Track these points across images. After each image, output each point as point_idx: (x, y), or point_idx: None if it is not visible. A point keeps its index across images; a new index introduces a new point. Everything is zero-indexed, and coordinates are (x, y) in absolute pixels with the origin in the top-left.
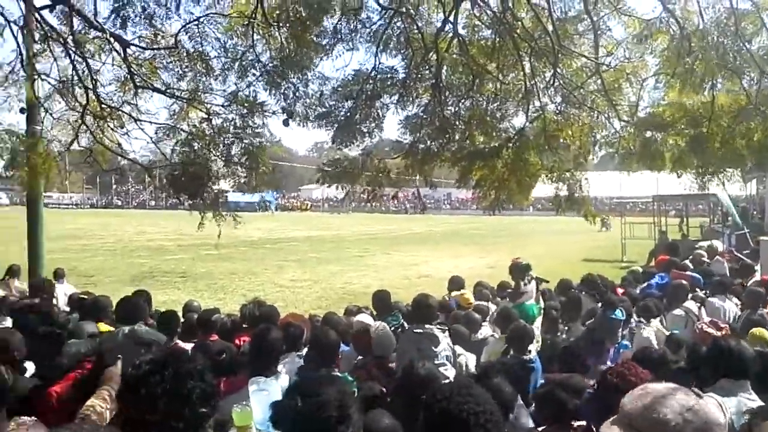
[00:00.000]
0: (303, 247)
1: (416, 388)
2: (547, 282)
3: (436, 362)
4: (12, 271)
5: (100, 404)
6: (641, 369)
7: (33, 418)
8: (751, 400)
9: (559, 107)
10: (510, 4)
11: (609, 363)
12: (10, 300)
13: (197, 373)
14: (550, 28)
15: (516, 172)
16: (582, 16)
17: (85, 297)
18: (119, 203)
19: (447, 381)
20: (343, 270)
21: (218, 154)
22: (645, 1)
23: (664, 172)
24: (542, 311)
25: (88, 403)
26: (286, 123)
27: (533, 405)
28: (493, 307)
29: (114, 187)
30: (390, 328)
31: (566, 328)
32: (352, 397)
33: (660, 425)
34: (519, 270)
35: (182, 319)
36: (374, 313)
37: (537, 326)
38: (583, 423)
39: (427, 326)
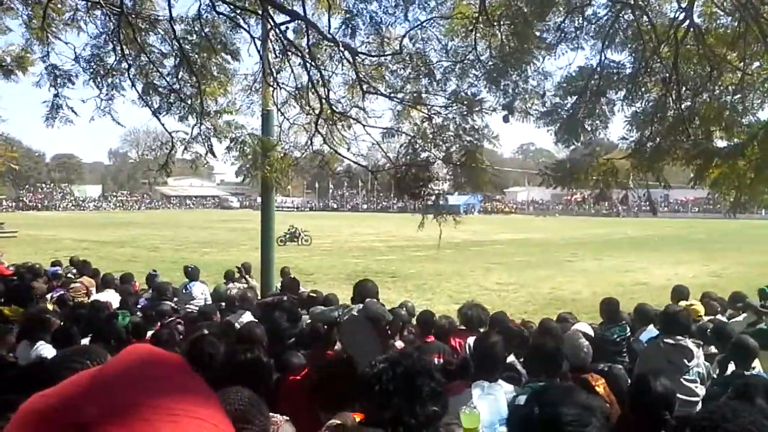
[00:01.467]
0: (509, 250)
1: (652, 405)
2: None
3: (687, 377)
4: (245, 268)
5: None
6: None
7: (285, 417)
8: None
9: None
10: None
11: None
12: (250, 296)
13: (426, 372)
14: None
15: (763, 170)
16: None
17: (314, 295)
18: (335, 206)
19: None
20: (550, 275)
21: (438, 154)
22: None
23: None
24: None
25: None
26: (506, 119)
27: None
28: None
29: (330, 191)
30: (614, 337)
31: None
32: (594, 413)
33: None
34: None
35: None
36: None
37: None
38: None
39: (680, 338)
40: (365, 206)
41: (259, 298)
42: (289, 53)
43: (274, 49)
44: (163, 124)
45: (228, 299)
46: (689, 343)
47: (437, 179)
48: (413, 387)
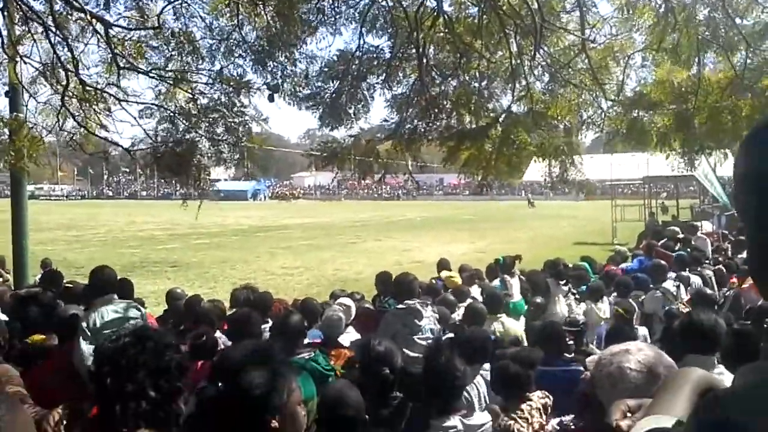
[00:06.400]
0: (295, 234)
1: (375, 364)
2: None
3: (420, 336)
4: None
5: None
6: None
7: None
8: (718, 374)
9: (546, 86)
10: None
11: None
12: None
13: (174, 346)
14: (534, 6)
15: (504, 151)
16: None
17: (71, 285)
18: (110, 194)
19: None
20: (334, 257)
21: (203, 132)
22: None
23: (654, 153)
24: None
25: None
26: (271, 99)
27: None
28: (475, 290)
29: (105, 177)
30: (391, 307)
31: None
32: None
33: (612, 376)
34: (505, 266)
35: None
36: (362, 296)
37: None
38: (540, 392)
39: (409, 302)
40: (144, 193)
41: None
42: (32, 22)
43: (13, 16)
44: None
45: None
46: (417, 305)
47: (201, 155)
48: (162, 361)
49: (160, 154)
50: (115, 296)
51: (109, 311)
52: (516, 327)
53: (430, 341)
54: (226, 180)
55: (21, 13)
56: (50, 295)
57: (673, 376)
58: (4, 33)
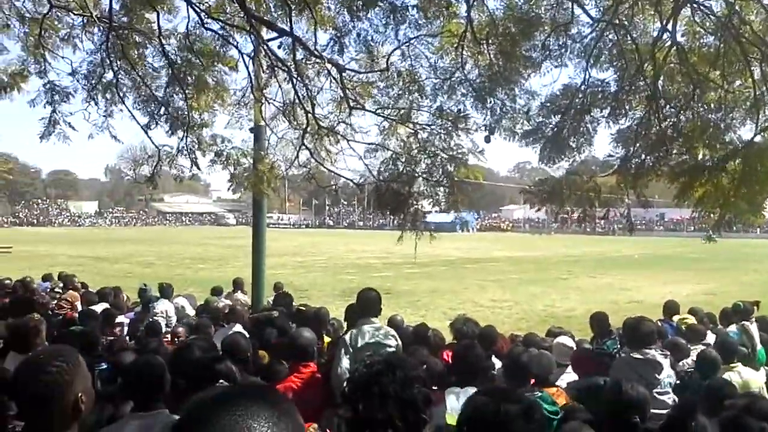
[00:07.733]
0: (504, 267)
1: (625, 409)
2: None
3: (659, 390)
4: (237, 284)
5: None
6: None
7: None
8: None
9: None
10: (737, 8)
11: None
12: (239, 309)
13: (421, 379)
14: None
15: (745, 187)
16: None
17: (304, 309)
18: (331, 223)
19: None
20: (545, 292)
21: (420, 172)
22: None
23: None
24: None
25: None
26: (487, 139)
27: None
28: (709, 336)
29: (327, 208)
30: (611, 350)
31: None
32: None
33: None
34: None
35: None
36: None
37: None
38: None
39: (648, 351)
40: (361, 223)
41: (250, 312)
42: (277, 69)
43: (261, 64)
44: (150, 138)
45: (214, 312)
46: (657, 355)
47: (418, 194)
48: (410, 392)
49: (380, 193)
50: (377, 321)
51: (370, 334)
52: (756, 379)
53: (670, 396)
54: (436, 212)
55: (268, 60)
56: (285, 319)
57: None
58: (253, 79)
